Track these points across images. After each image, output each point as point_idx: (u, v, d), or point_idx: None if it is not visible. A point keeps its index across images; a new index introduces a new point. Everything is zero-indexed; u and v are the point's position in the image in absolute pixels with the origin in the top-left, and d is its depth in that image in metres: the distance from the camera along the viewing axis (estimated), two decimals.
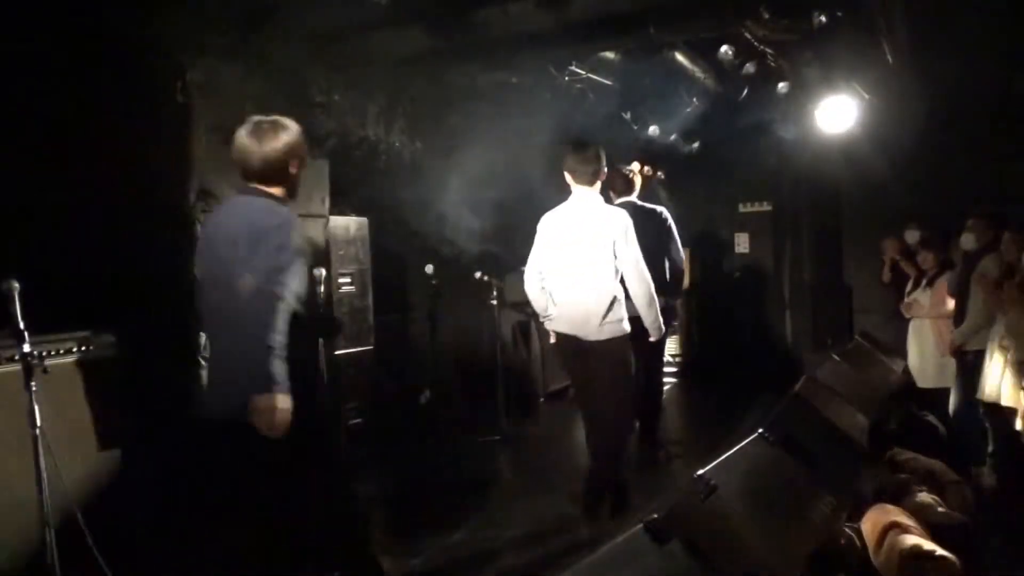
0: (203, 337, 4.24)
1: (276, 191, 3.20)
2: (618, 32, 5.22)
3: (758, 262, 9.99)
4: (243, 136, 3.18)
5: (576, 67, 6.32)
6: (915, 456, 4.69)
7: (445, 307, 5.53)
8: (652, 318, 4.47)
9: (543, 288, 4.46)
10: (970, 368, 5.32)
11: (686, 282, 4.57)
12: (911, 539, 3.63)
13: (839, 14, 4.97)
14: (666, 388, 9.31)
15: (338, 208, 5.29)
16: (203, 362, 4.22)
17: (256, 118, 3.21)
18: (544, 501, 5.09)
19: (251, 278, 2.89)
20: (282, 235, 3.01)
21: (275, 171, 3.18)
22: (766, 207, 9.93)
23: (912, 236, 6.90)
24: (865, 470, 4.58)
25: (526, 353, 7.85)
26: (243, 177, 3.23)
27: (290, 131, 3.19)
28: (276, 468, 2.99)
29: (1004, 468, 5.13)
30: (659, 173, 9.81)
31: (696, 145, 8.62)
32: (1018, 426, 4.73)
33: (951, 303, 5.88)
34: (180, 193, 4.21)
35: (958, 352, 5.57)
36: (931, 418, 5.88)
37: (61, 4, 3.99)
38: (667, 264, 5.54)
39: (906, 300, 6.56)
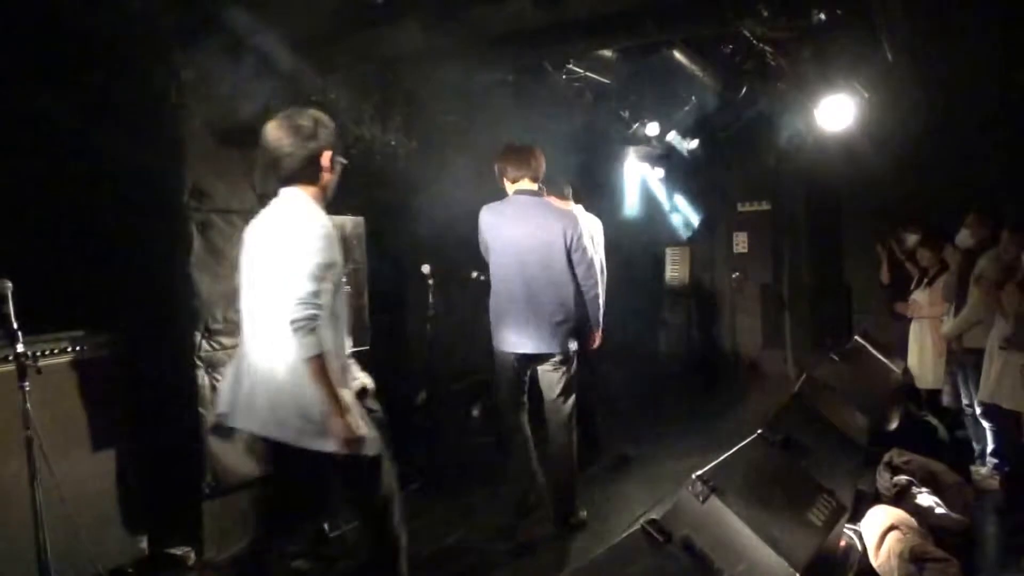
0: (197, 336, 4.25)
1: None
2: (616, 30, 5.19)
3: (757, 262, 9.98)
4: (517, 152, 4.61)
5: (574, 65, 6.29)
6: (915, 457, 4.67)
7: (442, 307, 5.50)
8: None
9: None
10: (971, 368, 5.30)
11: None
12: (911, 540, 3.62)
13: (838, 12, 4.93)
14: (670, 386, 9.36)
15: (333, 207, 5.24)
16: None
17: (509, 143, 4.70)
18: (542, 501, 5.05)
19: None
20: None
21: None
22: (765, 206, 9.92)
23: (911, 238, 6.88)
24: (865, 471, 4.57)
25: None
26: (514, 181, 4.60)
27: None
28: None
29: (1004, 469, 5.11)
30: (658, 171, 9.81)
31: (694, 144, 8.59)
32: None
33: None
34: (174, 192, 4.18)
35: (959, 352, 5.55)
36: (931, 419, 5.86)
37: (54, 3, 3.96)
38: None
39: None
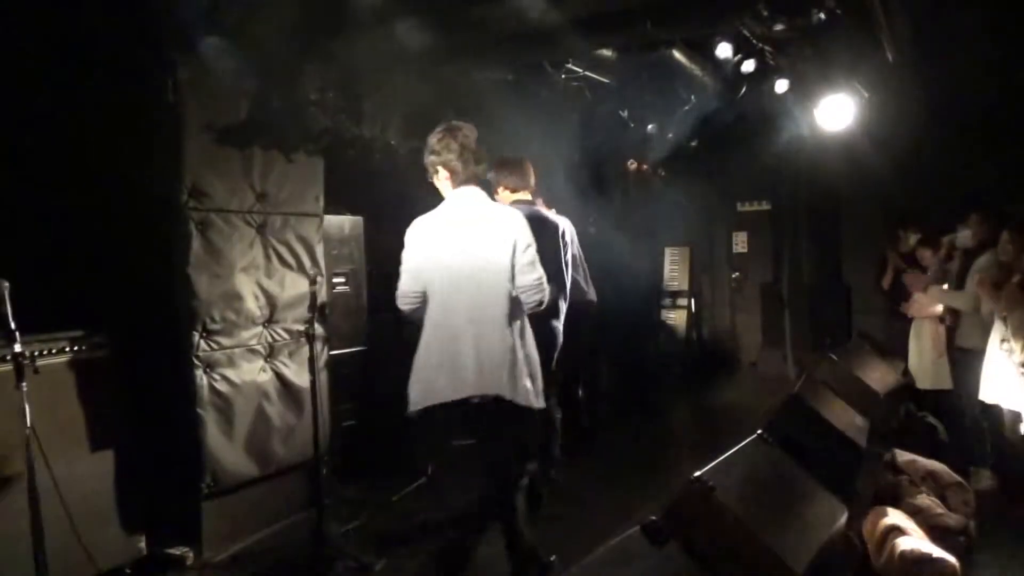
0: (195, 336, 4.24)
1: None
2: (615, 29, 5.18)
3: (757, 262, 9.97)
4: (515, 165, 4.76)
5: (573, 65, 6.29)
6: (915, 458, 4.66)
7: None
8: None
9: None
10: (970, 368, 5.28)
11: None
12: (911, 541, 3.61)
13: (838, 11, 4.93)
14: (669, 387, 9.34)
15: (332, 207, 5.25)
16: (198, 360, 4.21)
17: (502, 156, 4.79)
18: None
19: None
20: None
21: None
22: (765, 206, 9.92)
23: (911, 238, 6.85)
24: (865, 471, 4.56)
25: None
26: (514, 192, 4.75)
27: None
28: None
29: (1004, 470, 5.10)
30: (659, 171, 9.80)
31: (694, 143, 8.58)
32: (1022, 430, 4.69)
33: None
34: (173, 192, 4.17)
35: (958, 352, 5.54)
36: (931, 419, 5.84)
37: (50, 4, 3.95)
38: None
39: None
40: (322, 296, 4.86)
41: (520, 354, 3.48)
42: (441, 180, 3.63)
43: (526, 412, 3.48)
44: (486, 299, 3.43)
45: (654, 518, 2.92)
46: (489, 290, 3.43)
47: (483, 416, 3.44)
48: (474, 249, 3.46)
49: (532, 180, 4.87)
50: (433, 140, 3.61)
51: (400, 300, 3.59)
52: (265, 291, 4.64)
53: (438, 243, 3.50)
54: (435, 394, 3.44)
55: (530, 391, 3.47)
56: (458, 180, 3.59)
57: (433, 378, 3.46)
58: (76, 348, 3.82)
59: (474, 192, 3.60)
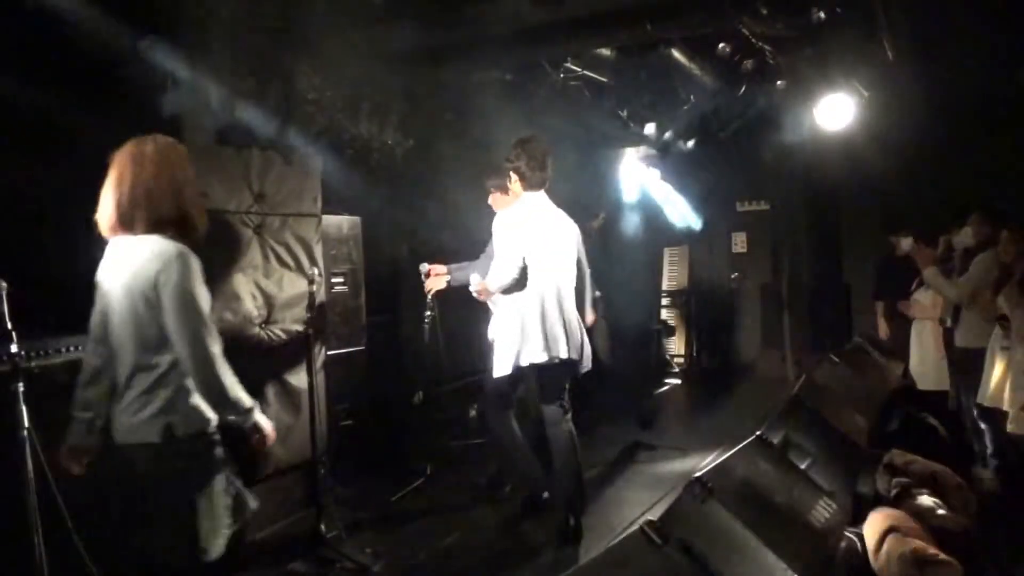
0: None
1: None
2: (614, 28, 5.17)
3: (756, 262, 9.96)
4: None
5: (572, 64, 6.28)
6: (915, 459, 4.64)
7: (438, 307, 5.47)
8: None
9: None
10: (971, 369, 5.27)
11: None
12: (912, 543, 3.59)
13: (838, 10, 4.92)
14: (669, 388, 9.32)
15: (330, 207, 5.24)
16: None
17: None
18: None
19: None
20: None
21: None
22: (764, 206, 9.91)
23: (904, 242, 6.83)
24: (865, 472, 4.55)
25: None
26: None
27: None
28: None
29: (1006, 471, 5.09)
30: (656, 171, 9.80)
31: (693, 143, 8.56)
32: (1009, 428, 4.68)
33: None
34: None
35: (958, 352, 5.53)
36: (932, 420, 5.83)
37: (49, 6, 3.94)
38: None
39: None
40: (320, 296, 4.84)
41: (582, 330, 4.45)
42: (513, 184, 4.39)
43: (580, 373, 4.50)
44: (566, 285, 4.34)
45: (654, 518, 2.91)
46: (566, 278, 4.35)
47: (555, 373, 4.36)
48: (556, 243, 4.32)
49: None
50: (510, 151, 4.34)
51: (511, 273, 4.25)
52: (263, 291, 4.61)
53: (533, 232, 4.24)
54: (529, 355, 4.24)
55: (584, 359, 4.44)
56: (527, 185, 4.33)
57: (525, 343, 4.25)
58: (73, 349, 3.79)
59: (544, 197, 4.36)
